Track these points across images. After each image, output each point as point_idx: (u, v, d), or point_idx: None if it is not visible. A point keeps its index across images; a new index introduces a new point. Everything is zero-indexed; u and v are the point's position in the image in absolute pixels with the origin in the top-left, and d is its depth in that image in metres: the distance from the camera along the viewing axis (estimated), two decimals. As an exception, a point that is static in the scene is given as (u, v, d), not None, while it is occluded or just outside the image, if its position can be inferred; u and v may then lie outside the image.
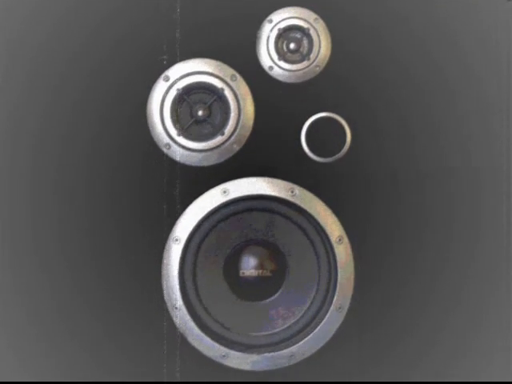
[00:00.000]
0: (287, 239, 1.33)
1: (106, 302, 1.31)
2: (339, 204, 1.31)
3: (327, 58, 1.31)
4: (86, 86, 1.29)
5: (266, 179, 1.30)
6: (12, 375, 1.31)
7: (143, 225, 1.30)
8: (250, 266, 1.33)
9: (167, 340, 1.31)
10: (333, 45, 1.31)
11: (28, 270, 1.30)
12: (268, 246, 1.33)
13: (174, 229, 1.29)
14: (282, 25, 1.31)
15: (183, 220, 1.29)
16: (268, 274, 1.33)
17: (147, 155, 1.30)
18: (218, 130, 1.31)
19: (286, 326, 1.33)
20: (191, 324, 1.30)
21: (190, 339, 1.30)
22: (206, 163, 1.30)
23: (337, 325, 1.31)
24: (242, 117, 1.30)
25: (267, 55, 1.31)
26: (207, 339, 1.30)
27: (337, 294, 1.31)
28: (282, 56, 1.31)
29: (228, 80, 1.30)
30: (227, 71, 1.30)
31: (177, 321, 1.30)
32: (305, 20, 1.31)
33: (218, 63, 1.30)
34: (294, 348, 1.31)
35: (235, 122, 1.30)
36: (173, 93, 1.30)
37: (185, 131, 1.30)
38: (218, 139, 1.30)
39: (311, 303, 1.33)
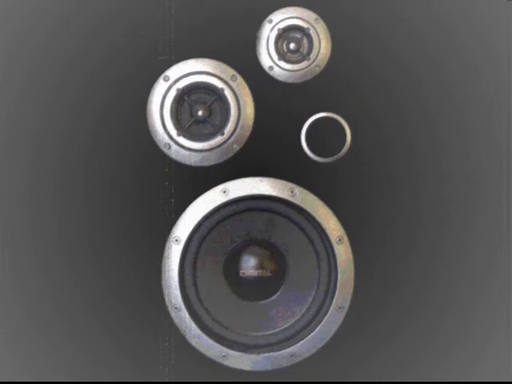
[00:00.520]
0: (287, 239, 1.33)
1: (107, 302, 1.31)
2: (339, 204, 1.31)
3: (327, 58, 1.31)
4: (85, 86, 1.29)
5: (266, 179, 1.30)
6: (12, 375, 1.31)
7: (143, 225, 1.30)
8: (250, 265, 1.33)
9: (167, 340, 1.31)
10: (333, 45, 1.31)
11: (28, 269, 1.30)
12: (268, 246, 1.34)
13: (174, 229, 1.29)
14: (282, 25, 1.31)
15: (183, 220, 1.29)
16: (268, 273, 1.33)
17: (147, 155, 1.30)
18: (218, 129, 1.31)
19: (286, 325, 1.33)
20: (191, 324, 1.30)
21: (190, 339, 1.30)
22: (206, 163, 1.30)
23: (337, 325, 1.31)
24: (242, 117, 1.30)
25: (267, 55, 1.31)
26: (207, 339, 1.30)
27: (337, 293, 1.31)
28: (282, 56, 1.31)
29: (228, 80, 1.30)
30: (227, 71, 1.30)
31: (177, 321, 1.30)
32: (305, 20, 1.31)
33: (218, 63, 1.30)
34: (294, 348, 1.31)
35: (235, 121, 1.30)
36: (173, 93, 1.30)
37: (185, 131, 1.30)
38: (218, 139, 1.30)
39: (311, 303, 1.33)
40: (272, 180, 1.30)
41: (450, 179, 1.33)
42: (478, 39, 1.33)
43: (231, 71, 1.30)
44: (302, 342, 1.31)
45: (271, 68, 1.31)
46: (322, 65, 1.31)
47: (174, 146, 1.30)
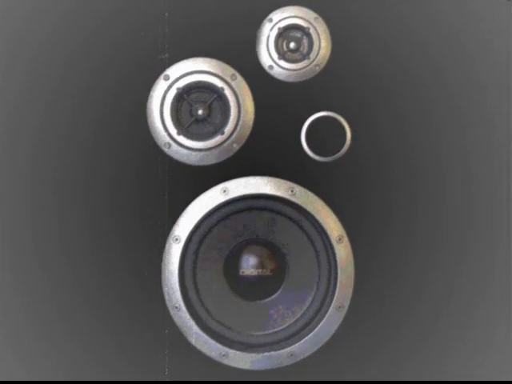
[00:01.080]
0: (287, 238, 1.33)
1: (106, 301, 1.30)
2: (339, 203, 1.31)
3: (327, 57, 1.31)
4: (86, 86, 1.29)
5: (266, 178, 1.30)
6: (12, 375, 1.31)
7: (143, 224, 1.30)
8: (249, 265, 1.33)
9: (167, 339, 1.31)
10: (333, 44, 1.31)
11: (27, 269, 1.30)
12: (268, 246, 1.33)
13: (174, 228, 1.29)
14: (282, 24, 1.31)
15: (183, 219, 1.29)
16: (268, 273, 1.33)
17: (147, 154, 1.30)
18: (218, 129, 1.31)
19: (285, 325, 1.33)
20: (191, 323, 1.30)
21: (190, 338, 1.30)
22: (206, 162, 1.30)
23: (337, 324, 1.31)
24: (241, 116, 1.30)
25: (267, 54, 1.31)
26: (207, 338, 1.30)
27: (337, 293, 1.31)
28: (281, 55, 1.31)
29: (228, 79, 1.30)
30: (227, 70, 1.30)
31: (176, 320, 1.30)
32: (305, 19, 1.31)
33: (218, 62, 1.30)
34: (293, 347, 1.31)
35: (235, 121, 1.30)
36: (173, 92, 1.30)
37: (185, 130, 1.30)
38: (218, 138, 1.30)
39: (311, 302, 1.33)
40: (272, 179, 1.30)
41: (449, 179, 1.33)
42: (478, 39, 1.33)
43: (231, 70, 1.30)
44: (302, 341, 1.31)
45: (271, 67, 1.31)
46: (322, 64, 1.31)
47: (174, 145, 1.30)
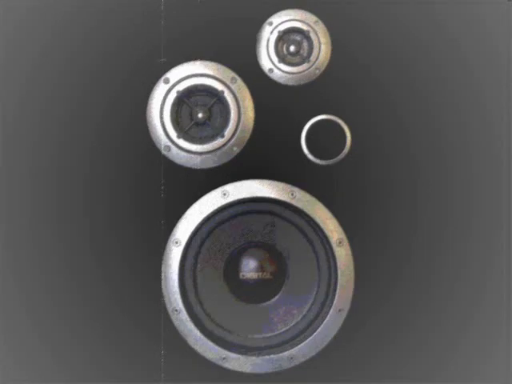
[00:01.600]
0: (287, 241, 1.33)
1: (106, 304, 1.31)
2: (339, 206, 1.31)
3: (327, 61, 1.31)
4: (85, 89, 1.29)
5: (266, 181, 1.30)
6: (12, 375, 1.31)
7: (143, 227, 1.30)
8: (250, 268, 1.33)
9: (167, 343, 1.31)
10: (333, 47, 1.31)
11: (27, 272, 1.30)
12: (268, 249, 1.33)
13: (174, 231, 1.30)
14: (282, 27, 1.31)
15: (183, 222, 1.29)
16: (268, 276, 1.33)
17: (147, 157, 1.30)
18: (218, 132, 1.31)
19: (286, 328, 1.33)
20: (191, 326, 1.30)
21: (190, 342, 1.30)
22: (205, 165, 1.30)
23: (337, 327, 1.31)
24: (241, 119, 1.30)
25: (267, 58, 1.31)
26: (207, 341, 1.30)
27: (337, 296, 1.31)
28: (282, 58, 1.31)
29: (228, 82, 1.30)
30: (227, 74, 1.30)
31: (176, 323, 1.30)
32: (305, 22, 1.31)
33: (218, 66, 1.30)
34: (294, 350, 1.31)
35: (235, 124, 1.30)
36: (173, 95, 1.29)
37: (185, 133, 1.30)
38: (218, 141, 1.30)
39: (311, 305, 1.33)
40: (272, 182, 1.30)
41: (449, 181, 1.33)
42: (478, 39, 1.33)
43: (231, 73, 1.30)
44: (302, 344, 1.31)
45: (271, 70, 1.31)
46: (322, 67, 1.31)
47: (174, 149, 1.30)
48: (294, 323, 1.33)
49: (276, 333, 1.33)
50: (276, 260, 1.34)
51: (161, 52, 1.29)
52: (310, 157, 1.31)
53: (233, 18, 1.29)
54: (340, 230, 1.31)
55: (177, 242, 1.29)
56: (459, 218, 1.33)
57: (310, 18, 1.31)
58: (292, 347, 1.32)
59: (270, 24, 1.31)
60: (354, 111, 1.31)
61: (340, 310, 1.31)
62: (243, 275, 1.33)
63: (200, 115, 1.30)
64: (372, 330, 1.33)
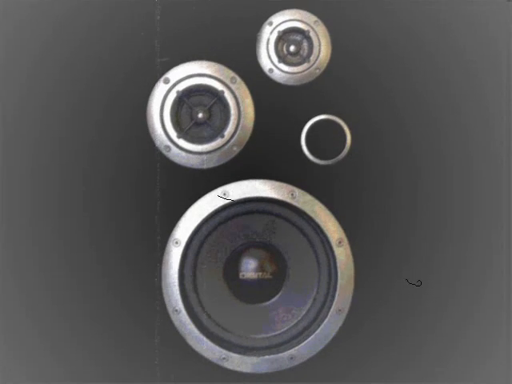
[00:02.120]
0: (287, 241, 1.33)
1: (106, 304, 1.31)
2: (339, 206, 1.31)
3: (327, 61, 1.31)
4: (85, 89, 1.29)
5: (266, 181, 1.30)
6: (12, 375, 1.31)
7: (143, 227, 1.30)
8: (250, 268, 1.33)
9: (167, 342, 1.31)
10: (333, 47, 1.31)
11: (27, 272, 1.30)
12: (268, 249, 1.33)
13: (174, 231, 1.29)
14: (282, 27, 1.31)
15: (183, 222, 1.29)
16: (268, 276, 1.33)
17: (147, 157, 1.30)
18: (218, 132, 1.30)
19: (285, 328, 1.33)
20: (191, 326, 1.30)
21: (190, 342, 1.30)
22: (205, 165, 1.30)
23: (336, 327, 1.31)
24: (241, 119, 1.30)
25: (267, 57, 1.31)
26: (207, 341, 1.30)
27: (337, 296, 1.31)
28: (281, 58, 1.31)
29: (228, 82, 1.30)
30: (227, 73, 1.30)
31: (177, 323, 1.30)
32: (305, 22, 1.31)
33: (218, 65, 1.30)
34: (294, 350, 1.31)
35: (235, 124, 1.30)
36: (173, 95, 1.29)
37: (185, 133, 1.30)
38: (218, 141, 1.30)
39: (311, 305, 1.33)
40: (272, 182, 1.30)
41: (449, 181, 1.33)
42: (478, 39, 1.33)
43: (231, 73, 1.30)
44: (302, 344, 1.31)
45: (271, 70, 1.31)
46: (322, 67, 1.31)
47: (174, 149, 1.30)
48: (293, 323, 1.33)
49: (276, 333, 1.33)
50: (276, 260, 1.34)
51: (161, 52, 1.29)
52: (310, 157, 1.31)
53: (233, 17, 1.29)
54: (340, 230, 1.31)
55: (177, 242, 1.29)
56: (459, 217, 1.33)
57: (310, 17, 1.31)
58: (292, 347, 1.32)
59: (270, 24, 1.30)
60: (354, 111, 1.31)
61: (340, 310, 1.31)
62: (243, 275, 1.33)
63: (200, 115, 1.30)
64: (372, 330, 1.33)
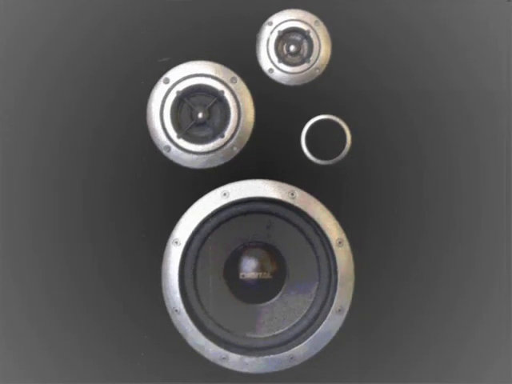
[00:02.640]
0: (287, 242, 1.33)
1: (106, 304, 1.31)
2: (339, 206, 1.31)
3: (327, 61, 1.31)
4: (85, 89, 1.29)
5: (266, 181, 1.30)
6: (11, 375, 1.31)
7: (143, 227, 1.30)
8: (250, 268, 1.33)
9: (167, 342, 1.31)
10: (333, 47, 1.31)
11: (27, 272, 1.30)
12: (268, 249, 1.34)
13: (174, 231, 1.29)
14: (282, 27, 1.31)
15: (183, 222, 1.29)
16: (268, 276, 1.33)
17: (147, 157, 1.30)
18: (218, 132, 1.31)
19: (285, 328, 1.33)
20: (191, 326, 1.30)
21: (190, 342, 1.30)
22: (205, 165, 1.30)
23: (336, 327, 1.31)
24: (241, 119, 1.30)
25: (267, 58, 1.31)
26: (207, 341, 1.30)
27: (337, 296, 1.31)
28: (282, 58, 1.31)
29: (228, 82, 1.30)
30: (227, 73, 1.30)
31: (177, 323, 1.30)
32: (305, 22, 1.31)
33: (218, 65, 1.30)
34: (294, 350, 1.31)
35: (235, 124, 1.30)
36: (173, 95, 1.29)
37: (185, 133, 1.30)
38: (218, 141, 1.30)
39: (311, 305, 1.33)
40: (272, 182, 1.30)
41: (451, 181, 1.33)
42: (478, 39, 1.33)
43: (231, 73, 1.30)
44: (302, 344, 1.31)
45: (271, 70, 1.31)
46: (322, 67, 1.31)
47: (174, 149, 1.30)
48: (293, 323, 1.33)
49: (276, 333, 1.33)
50: (276, 260, 1.34)
51: (161, 52, 1.29)
52: (310, 157, 1.31)
53: (233, 17, 1.29)
54: (340, 230, 1.31)
55: (177, 242, 1.29)
56: (461, 217, 1.33)
57: (310, 18, 1.31)
58: (292, 347, 1.32)
59: (270, 24, 1.30)
60: (354, 111, 1.31)
61: (340, 310, 1.31)
62: (243, 275, 1.33)
63: (200, 115, 1.30)
64: (372, 329, 1.33)
